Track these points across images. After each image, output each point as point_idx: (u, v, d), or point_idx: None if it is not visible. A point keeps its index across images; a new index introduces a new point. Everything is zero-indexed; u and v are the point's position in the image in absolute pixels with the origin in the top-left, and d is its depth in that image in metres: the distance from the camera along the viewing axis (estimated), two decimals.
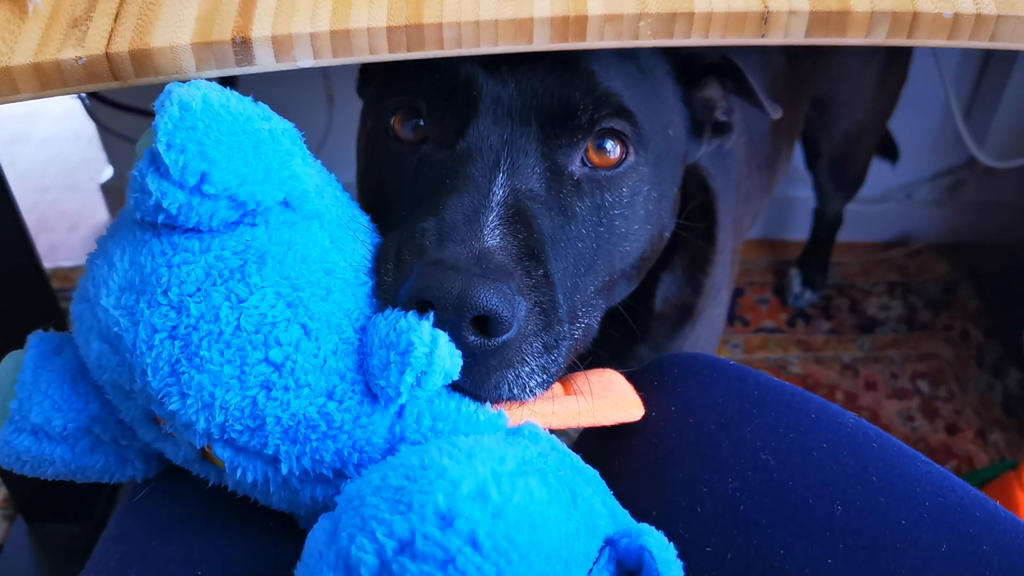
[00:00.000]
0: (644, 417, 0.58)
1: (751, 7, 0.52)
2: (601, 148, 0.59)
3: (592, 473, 0.49)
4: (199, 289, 0.45)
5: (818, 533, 0.49)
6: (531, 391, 0.51)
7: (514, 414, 0.50)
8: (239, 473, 0.46)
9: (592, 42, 0.52)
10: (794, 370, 1.45)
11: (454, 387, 0.49)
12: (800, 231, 1.61)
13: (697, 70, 0.66)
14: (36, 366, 0.50)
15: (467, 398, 0.49)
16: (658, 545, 0.43)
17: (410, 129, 0.59)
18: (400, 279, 0.49)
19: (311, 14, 0.50)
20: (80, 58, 0.47)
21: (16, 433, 0.49)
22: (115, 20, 0.48)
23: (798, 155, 1.33)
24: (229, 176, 0.44)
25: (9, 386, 0.50)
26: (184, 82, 0.46)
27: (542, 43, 0.52)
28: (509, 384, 0.50)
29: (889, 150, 1.45)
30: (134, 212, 0.46)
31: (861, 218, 1.60)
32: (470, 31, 0.51)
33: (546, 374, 0.51)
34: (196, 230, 0.46)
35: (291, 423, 0.45)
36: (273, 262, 0.46)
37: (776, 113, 0.66)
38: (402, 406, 0.47)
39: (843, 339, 1.50)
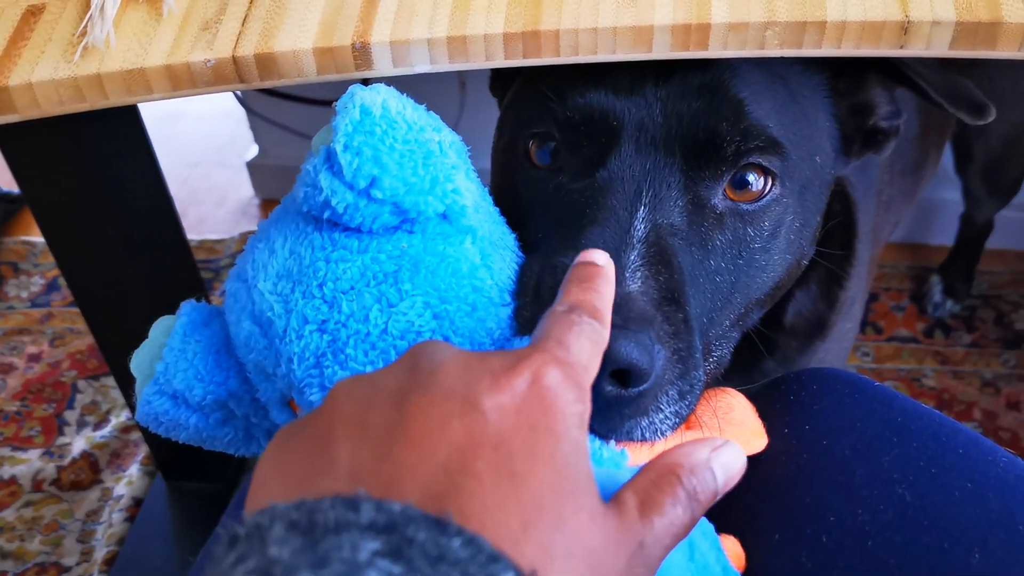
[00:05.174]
0: (775, 433, 0.55)
1: (890, 16, 0.49)
2: (742, 183, 0.56)
3: (707, 525, 0.48)
4: (353, 288, 0.46)
5: None
6: (662, 434, 0.50)
7: (635, 453, 0.50)
8: None
9: (714, 51, 0.50)
10: (929, 383, 1.37)
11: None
12: (944, 236, 1.52)
13: (854, 73, 0.62)
14: (185, 334, 0.52)
15: (591, 436, 0.48)
16: None
17: (547, 156, 0.58)
18: (539, 316, 0.48)
19: (429, 19, 0.50)
20: (209, 60, 0.49)
21: (158, 395, 0.51)
22: (243, 24, 0.50)
23: (947, 156, 1.25)
24: (397, 184, 0.45)
25: (157, 348, 0.52)
26: (364, 84, 0.47)
27: (662, 51, 0.50)
28: (642, 430, 0.49)
29: None
30: (301, 205, 0.48)
31: (1014, 224, 1.50)
32: (587, 38, 0.50)
33: (678, 418, 0.50)
34: (356, 230, 0.47)
35: None
36: (426, 271, 0.47)
37: (983, 117, 0.60)
38: None
39: (985, 354, 1.41)
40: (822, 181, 0.62)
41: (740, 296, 0.57)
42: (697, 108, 0.54)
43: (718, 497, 0.41)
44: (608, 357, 0.45)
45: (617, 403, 0.47)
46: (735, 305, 0.57)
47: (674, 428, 0.50)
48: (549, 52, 0.50)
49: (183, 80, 0.49)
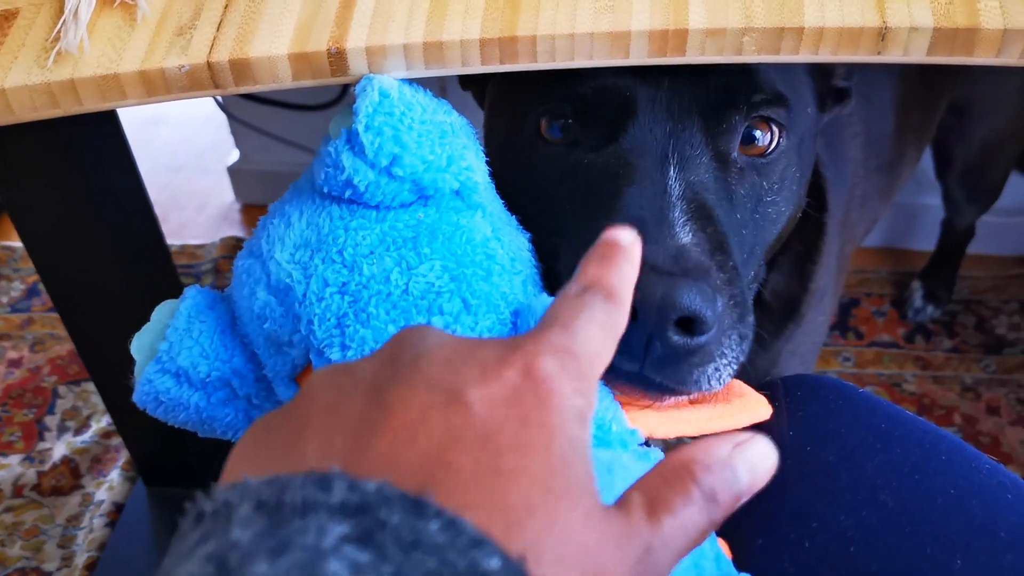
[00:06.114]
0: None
1: (868, 22, 0.49)
2: (753, 137, 0.58)
3: None
4: (372, 252, 0.48)
5: None
6: (726, 380, 0.51)
7: (649, 421, 0.50)
8: None
9: (692, 57, 0.50)
10: (909, 388, 1.38)
11: (651, 385, 0.50)
12: (926, 241, 1.52)
13: None
14: (191, 315, 0.52)
15: (606, 406, 0.49)
16: None
17: (558, 131, 0.58)
18: None
19: (406, 24, 0.50)
20: (183, 66, 0.48)
21: (160, 373, 0.52)
22: (218, 29, 0.50)
23: (928, 161, 1.26)
24: (416, 162, 0.48)
25: (160, 329, 0.53)
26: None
27: (639, 57, 0.50)
28: (707, 377, 0.50)
29: None
30: (321, 186, 0.50)
31: (996, 230, 1.51)
32: (564, 44, 0.50)
33: (737, 363, 0.52)
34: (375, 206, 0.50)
35: None
36: (443, 238, 0.49)
37: None
38: None
39: (966, 359, 1.42)
40: (812, 133, 0.65)
41: (760, 248, 0.60)
42: (706, 69, 0.55)
43: (743, 499, 0.36)
44: (673, 306, 0.46)
45: (685, 352, 0.48)
46: (756, 257, 0.60)
47: (732, 374, 0.52)
48: (526, 58, 0.50)
49: (157, 86, 0.49)
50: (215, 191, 1.78)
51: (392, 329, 0.47)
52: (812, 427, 0.55)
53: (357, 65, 0.50)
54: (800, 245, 0.75)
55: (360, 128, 0.47)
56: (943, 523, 0.48)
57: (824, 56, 0.50)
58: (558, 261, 0.56)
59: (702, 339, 0.48)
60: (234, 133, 1.65)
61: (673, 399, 0.52)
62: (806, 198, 0.67)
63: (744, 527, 0.52)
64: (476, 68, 0.50)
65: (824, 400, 0.56)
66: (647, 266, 0.47)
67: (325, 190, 0.50)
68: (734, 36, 0.49)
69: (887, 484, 0.50)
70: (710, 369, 0.50)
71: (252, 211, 1.73)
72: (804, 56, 0.50)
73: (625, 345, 0.47)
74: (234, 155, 1.71)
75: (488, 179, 0.54)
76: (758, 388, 0.60)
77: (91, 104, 0.49)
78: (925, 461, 0.51)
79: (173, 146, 1.89)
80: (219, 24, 0.50)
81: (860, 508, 0.50)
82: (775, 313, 0.77)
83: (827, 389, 0.57)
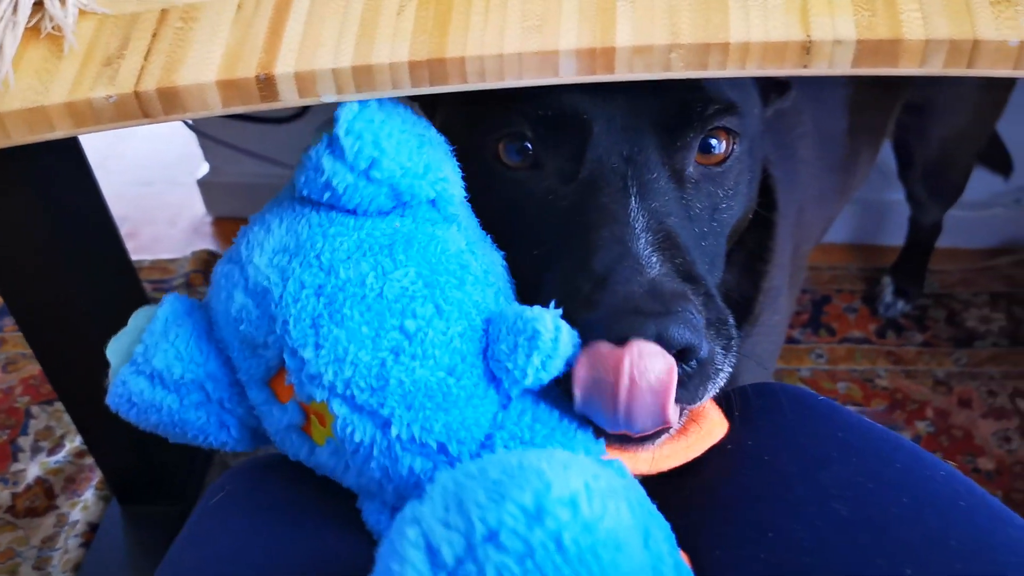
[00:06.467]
0: (719, 449, 0.56)
1: (792, 36, 0.49)
2: (708, 148, 0.59)
3: (664, 523, 0.48)
4: (349, 257, 0.50)
5: None
6: (717, 387, 0.54)
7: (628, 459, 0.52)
8: (348, 431, 0.49)
9: (621, 74, 0.51)
10: (882, 384, 1.38)
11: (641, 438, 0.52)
12: (895, 236, 1.53)
13: None
14: (168, 320, 0.54)
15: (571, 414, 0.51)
16: None
17: (516, 154, 0.58)
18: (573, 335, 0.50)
19: (335, 49, 0.50)
20: (111, 96, 0.48)
21: (135, 375, 0.53)
22: (145, 58, 0.50)
23: (894, 158, 1.26)
24: (395, 167, 0.49)
25: (137, 334, 0.54)
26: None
27: (568, 76, 0.50)
28: (708, 390, 0.53)
29: (1000, 161, 1.34)
30: (301, 189, 0.51)
31: (964, 224, 1.52)
32: (493, 64, 0.50)
33: (730, 367, 0.54)
34: (352, 212, 0.51)
35: (412, 388, 0.48)
36: (418, 246, 0.51)
37: None
38: (508, 400, 0.50)
39: (937, 353, 1.42)
40: (760, 131, 0.65)
41: (720, 257, 0.61)
42: (658, 85, 0.56)
43: None
44: (668, 343, 0.48)
45: (682, 379, 0.50)
46: (717, 266, 0.61)
47: (728, 376, 0.55)
48: (456, 79, 0.50)
49: (86, 117, 0.49)
50: (186, 204, 1.78)
51: (366, 330, 0.48)
52: (771, 437, 0.55)
53: (286, 91, 0.50)
54: (751, 245, 0.76)
55: (341, 132, 0.49)
56: (895, 533, 0.48)
57: (751, 70, 0.50)
58: (538, 292, 0.56)
59: (694, 364, 0.51)
60: (203, 146, 1.64)
61: (662, 438, 0.54)
62: (756, 198, 0.68)
63: (704, 537, 0.52)
64: (407, 91, 0.51)
65: (783, 409, 0.57)
66: (631, 309, 0.49)
67: (305, 193, 0.51)
68: (661, 53, 0.50)
69: (842, 494, 0.50)
70: (708, 383, 0.53)
71: (224, 224, 1.72)
72: (732, 71, 0.50)
73: None
74: (204, 168, 1.70)
75: (463, 193, 0.55)
76: (720, 395, 0.60)
77: (19, 137, 0.49)
78: (881, 470, 0.51)
79: (143, 160, 1.88)
80: (147, 53, 0.50)
81: (815, 519, 0.50)
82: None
83: (787, 398, 0.57)
